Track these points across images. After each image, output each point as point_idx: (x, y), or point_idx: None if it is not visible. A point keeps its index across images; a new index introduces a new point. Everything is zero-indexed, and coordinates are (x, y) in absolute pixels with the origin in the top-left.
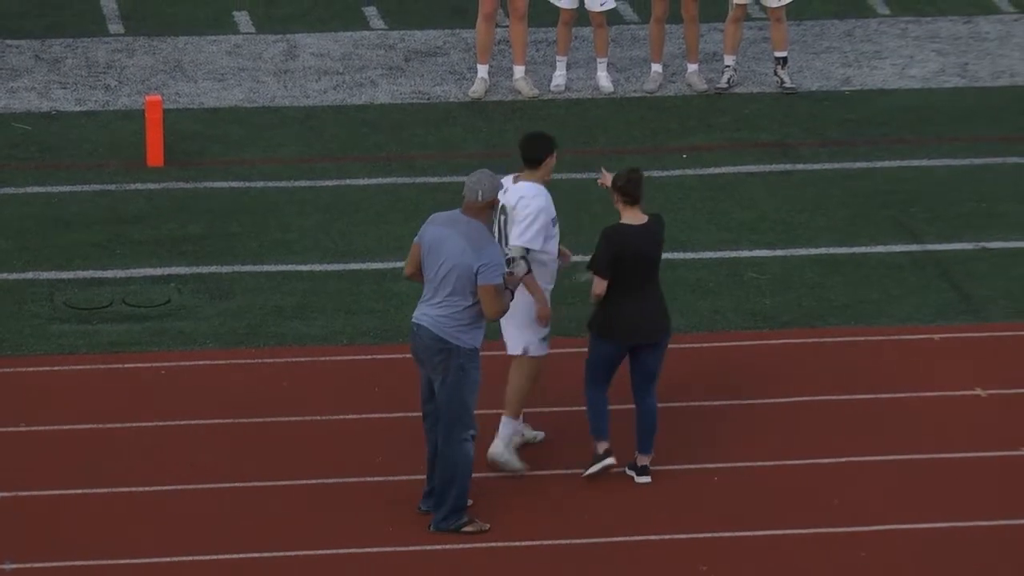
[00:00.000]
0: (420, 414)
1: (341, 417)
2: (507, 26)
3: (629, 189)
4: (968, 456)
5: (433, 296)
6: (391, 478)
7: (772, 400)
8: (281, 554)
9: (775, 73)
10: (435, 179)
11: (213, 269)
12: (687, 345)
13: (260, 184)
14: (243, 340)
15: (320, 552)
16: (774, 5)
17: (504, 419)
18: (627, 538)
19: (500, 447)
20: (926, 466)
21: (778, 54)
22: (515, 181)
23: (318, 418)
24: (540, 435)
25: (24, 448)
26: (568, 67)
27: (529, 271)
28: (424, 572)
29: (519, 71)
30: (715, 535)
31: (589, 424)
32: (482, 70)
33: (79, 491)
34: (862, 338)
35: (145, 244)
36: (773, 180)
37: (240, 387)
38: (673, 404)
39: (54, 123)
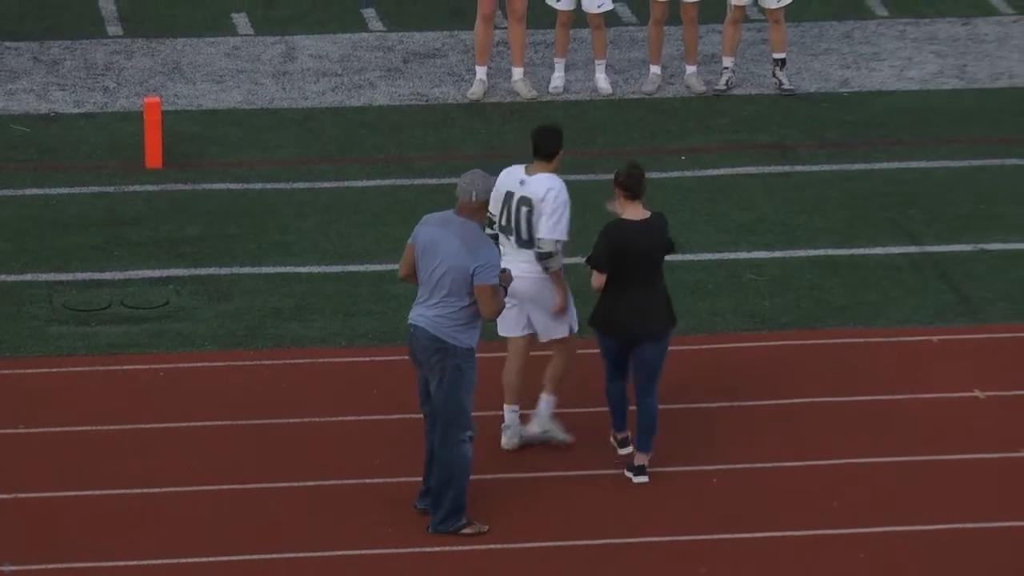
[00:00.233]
0: (419, 416)
1: (339, 419)
2: (506, 28)
3: (630, 184)
4: (966, 458)
5: (429, 297)
6: (390, 480)
7: (771, 402)
8: (279, 556)
9: (773, 75)
10: (434, 181)
11: (211, 271)
12: (686, 347)
13: (258, 186)
14: (241, 342)
15: (318, 554)
16: (772, 7)
17: (545, 397)
18: (626, 540)
19: (544, 419)
20: (924, 468)
21: (776, 56)
22: (528, 173)
23: (316, 420)
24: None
25: (23, 450)
26: (566, 69)
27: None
28: (422, 574)
29: (517, 73)
30: (714, 537)
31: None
32: (480, 72)
33: (78, 493)
34: (861, 340)
35: (143, 246)
36: (772, 182)
37: (238, 389)
38: (672, 406)
39: (52, 125)
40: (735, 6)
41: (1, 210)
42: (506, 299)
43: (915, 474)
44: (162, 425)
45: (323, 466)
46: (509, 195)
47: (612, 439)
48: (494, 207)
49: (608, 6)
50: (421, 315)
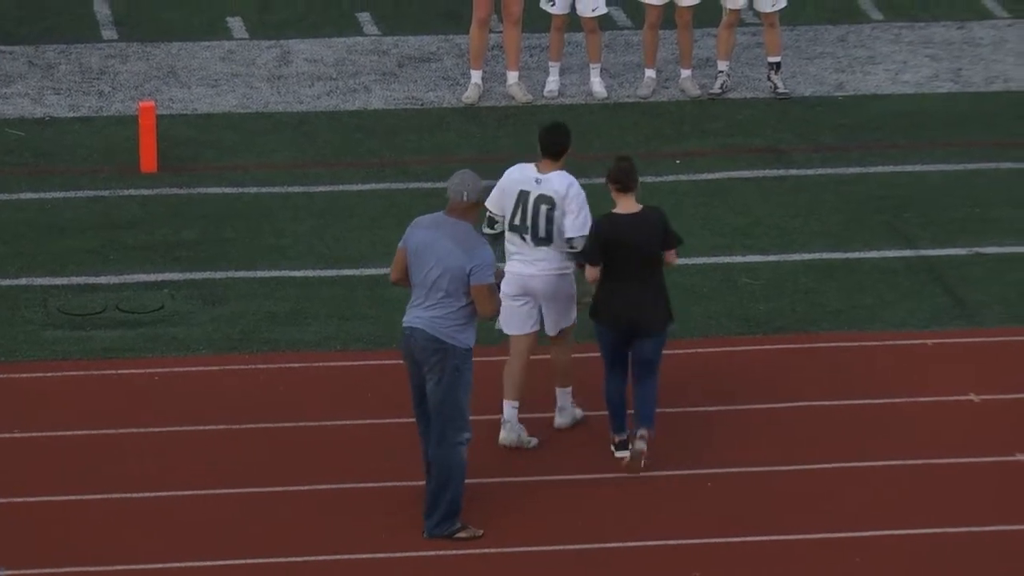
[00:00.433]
0: (414, 419)
1: (335, 423)
2: (501, 32)
3: (619, 176)
4: (962, 461)
5: (424, 299)
6: (386, 484)
7: (766, 405)
8: (274, 560)
9: (768, 78)
10: (428, 184)
11: (207, 275)
12: (681, 351)
13: (253, 190)
14: (236, 346)
15: (312, 558)
16: (767, 10)
17: (561, 390)
18: (621, 543)
19: (568, 410)
20: (920, 471)
21: (771, 59)
22: (541, 171)
23: (312, 424)
24: (534, 441)
25: (18, 454)
26: (561, 73)
27: None
28: None
29: (512, 77)
30: (709, 540)
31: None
32: (476, 76)
33: (73, 497)
34: (856, 343)
35: (138, 250)
36: (767, 185)
37: (233, 393)
38: (667, 409)
39: (47, 129)
40: (730, 10)
41: None
42: (517, 297)
43: (910, 478)
44: (157, 429)
45: (318, 470)
46: (524, 194)
47: (611, 445)
48: (502, 206)
49: (602, 9)
50: (418, 317)
